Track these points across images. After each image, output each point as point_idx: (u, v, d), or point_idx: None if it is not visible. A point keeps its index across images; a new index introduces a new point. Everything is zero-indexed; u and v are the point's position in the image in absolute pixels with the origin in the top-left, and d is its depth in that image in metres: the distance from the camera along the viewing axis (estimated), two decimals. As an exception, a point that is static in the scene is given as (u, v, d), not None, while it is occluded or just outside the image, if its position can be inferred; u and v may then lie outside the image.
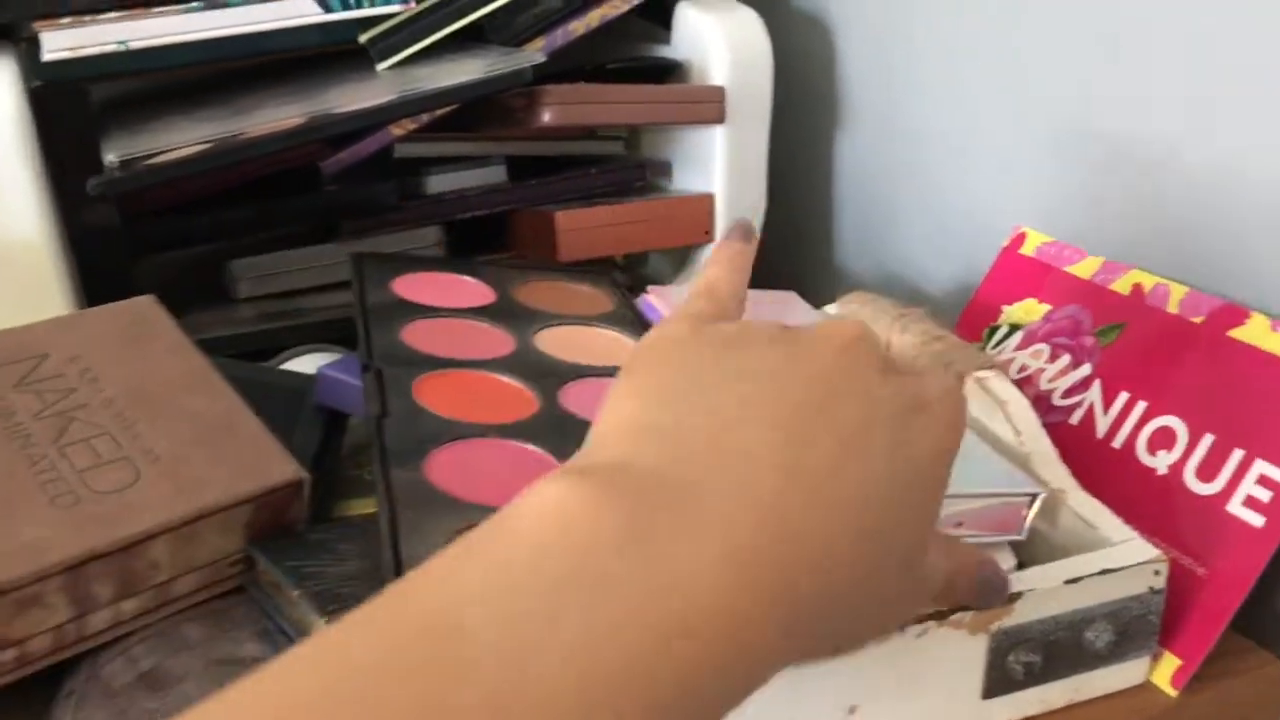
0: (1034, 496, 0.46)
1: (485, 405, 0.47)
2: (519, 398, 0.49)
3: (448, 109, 0.66)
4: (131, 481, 0.42)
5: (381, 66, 0.67)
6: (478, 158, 0.76)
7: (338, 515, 0.51)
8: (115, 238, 0.64)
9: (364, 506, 0.52)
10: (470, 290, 0.60)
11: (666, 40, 0.77)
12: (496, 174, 0.77)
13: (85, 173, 0.61)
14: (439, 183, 0.75)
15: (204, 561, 0.43)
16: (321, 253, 0.71)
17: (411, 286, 0.58)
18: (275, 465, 0.44)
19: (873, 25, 0.76)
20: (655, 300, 0.65)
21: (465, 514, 0.39)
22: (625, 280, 0.70)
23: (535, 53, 0.66)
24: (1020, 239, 0.64)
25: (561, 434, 0.46)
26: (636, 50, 0.79)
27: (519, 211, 0.75)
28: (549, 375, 0.51)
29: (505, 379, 0.50)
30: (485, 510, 0.38)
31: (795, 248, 0.85)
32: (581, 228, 0.71)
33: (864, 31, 0.77)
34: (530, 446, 0.44)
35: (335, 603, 0.41)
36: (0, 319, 0.62)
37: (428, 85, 0.63)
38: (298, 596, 0.41)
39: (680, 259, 0.78)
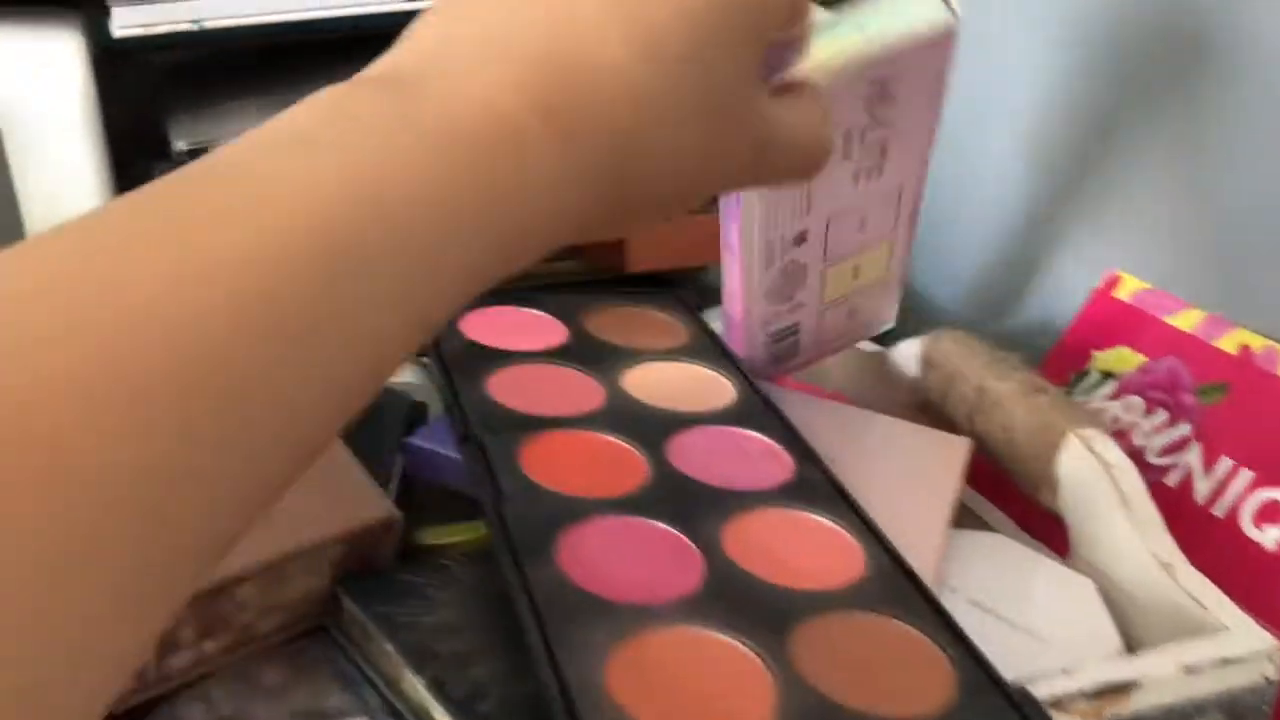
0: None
1: (594, 472, 0.44)
2: (626, 460, 0.45)
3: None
4: None
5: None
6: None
7: (418, 543, 0.49)
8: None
9: (444, 535, 0.50)
10: (539, 326, 0.57)
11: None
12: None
13: (147, 153, 0.58)
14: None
15: (290, 600, 0.41)
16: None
17: (479, 325, 0.55)
18: (368, 502, 0.42)
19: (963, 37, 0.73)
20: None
21: (612, 617, 0.36)
22: (691, 297, 0.67)
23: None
24: (1114, 281, 0.62)
25: (679, 501, 0.43)
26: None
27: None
28: (650, 428, 0.48)
29: (608, 437, 0.47)
30: (631, 609, 0.36)
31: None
32: (653, 239, 0.68)
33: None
34: (653, 522, 0.41)
35: (432, 661, 0.39)
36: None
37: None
38: (391, 651, 0.39)
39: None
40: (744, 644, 0.35)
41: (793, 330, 0.60)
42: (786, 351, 0.61)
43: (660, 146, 0.26)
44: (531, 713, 0.37)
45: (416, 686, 0.38)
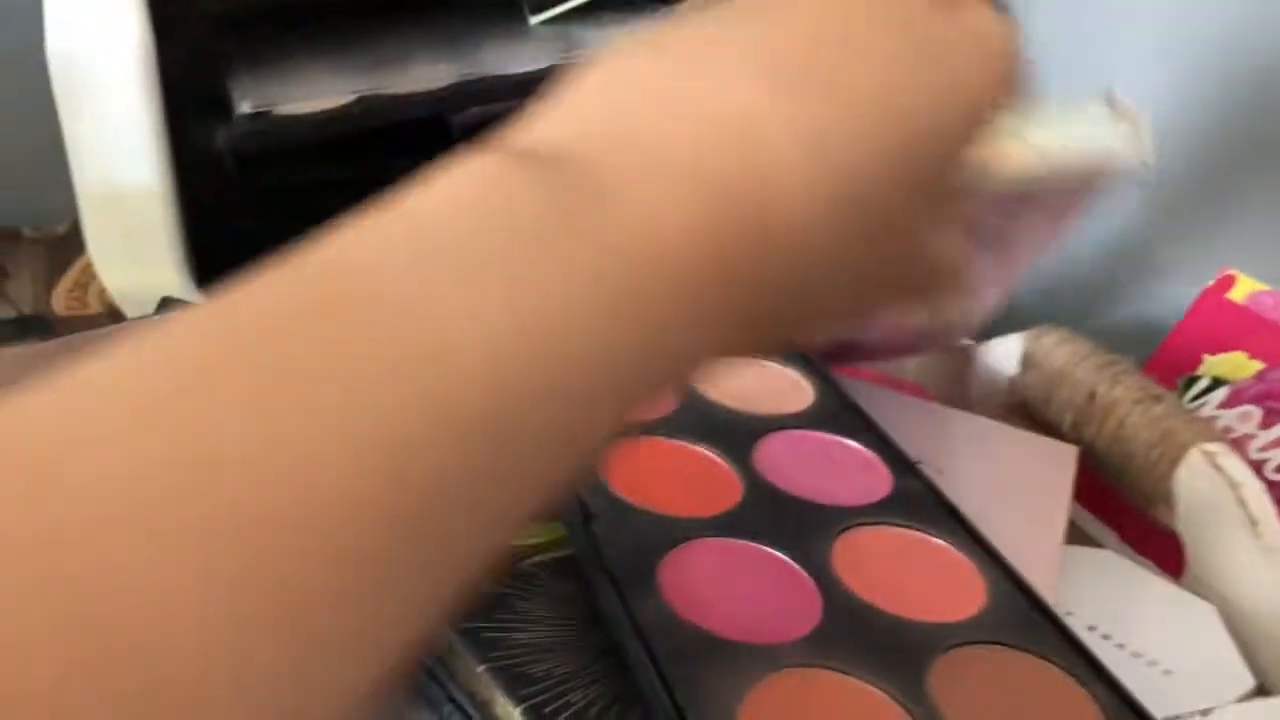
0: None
1: (684, 487, 0.41)
2: (715, 472, 0.42)
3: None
4: None
5: (534, 20, 0.60)
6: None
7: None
8: (230, 187, 0.58)
9: (522, 534, 0.47)
10: None
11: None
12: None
13: (206, 112, 0.55)
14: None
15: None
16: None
17: None
18: None
19: (1065, 33, 0.69)
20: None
21: (735, 660, 0.33)
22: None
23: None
24: (1227, 282, 0.58)
25: (779, 520, 0.40)
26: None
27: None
28: (733, 435, 0.45)
29: (693, 447, 0.43)
30: (754, 650, 0.33)
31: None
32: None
33: (1061, 17, 0.70)
34: (758, 546, 0.38)
35: (527, 685, 0.36)
36: (111, 265, 0.57)
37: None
38: (483, 672, 0.36)
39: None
40: (880, 687, 0.32)
41: (856, 343, 0.56)
42: (845, 353, 0.57)
43: (814, 293, 0.23)
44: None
45: (512, 713, 0.35)
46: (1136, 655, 0.43)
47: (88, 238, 0.57)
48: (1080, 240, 0.69)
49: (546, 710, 0.35)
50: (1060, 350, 0.55)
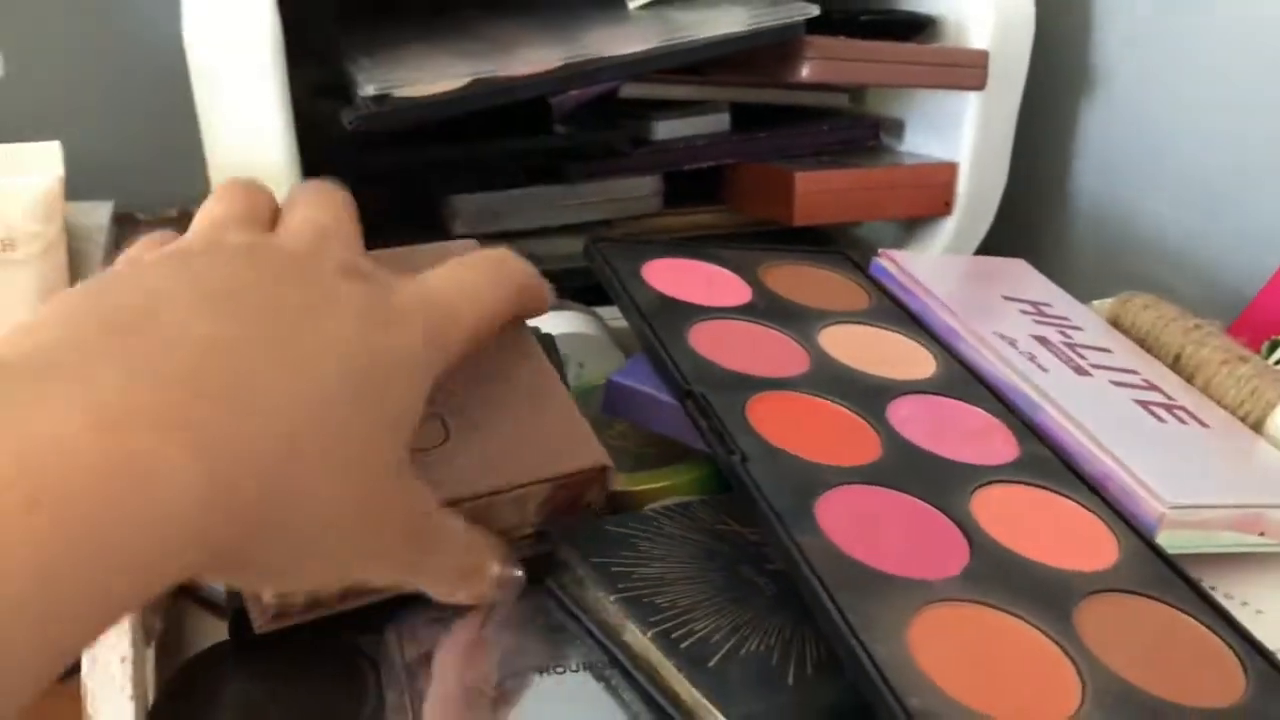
0: None
1: (828, 439, 0.43)
2: (856, 428, 0.45)
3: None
4: (438, 441, 0.40)
5: (634, 5, 0.63)
6: (701, 103, 0.72)
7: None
8: (347, 167, 0.62)
9: (633, 482, 0.50)
10: (720, 281, 0.56)
11: (916, -9, 0.72)
12: (720, 122, 0.73)
13: (329, 98, 0.58)
14: (666, 129, 0.71)
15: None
16: (545, 195, 0.68)
17: (661, 277, 0.54)
18: (582, 448, 0.42)
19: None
20: (889, 266, 0.61)
21: (897, 591, 0.36)
22: (857, 256, 0.66)
23: (807, 3, 0.62)
24: (1312, 247, 0.59)
25: (916, 472, 0.43)
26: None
27: (741, 165, 0.72)
28: (867, 396, 0.47)
29: (831, 403, 0.46)
30: (913, 584, 0.36)
31: (1027, 227, 0.80)
32: (820, 191, 0.67)
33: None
34: (900, 493, 0.41)
35: (655, 613, 0.39)
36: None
37: (691, 34, 0.59)
38: (614, 601, 0.39)
39: (903, 227, 0.74)
40: (1031, 622, 0.35)
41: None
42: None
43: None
44: (759, 671, 0.37)
45: (642, 638, 0.38)
46: (1228, 597, 0.45)
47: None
48: (1169, 207, 0.70)
49: (673, 635, 0.38)
50: (1147, 314, 0.57)
